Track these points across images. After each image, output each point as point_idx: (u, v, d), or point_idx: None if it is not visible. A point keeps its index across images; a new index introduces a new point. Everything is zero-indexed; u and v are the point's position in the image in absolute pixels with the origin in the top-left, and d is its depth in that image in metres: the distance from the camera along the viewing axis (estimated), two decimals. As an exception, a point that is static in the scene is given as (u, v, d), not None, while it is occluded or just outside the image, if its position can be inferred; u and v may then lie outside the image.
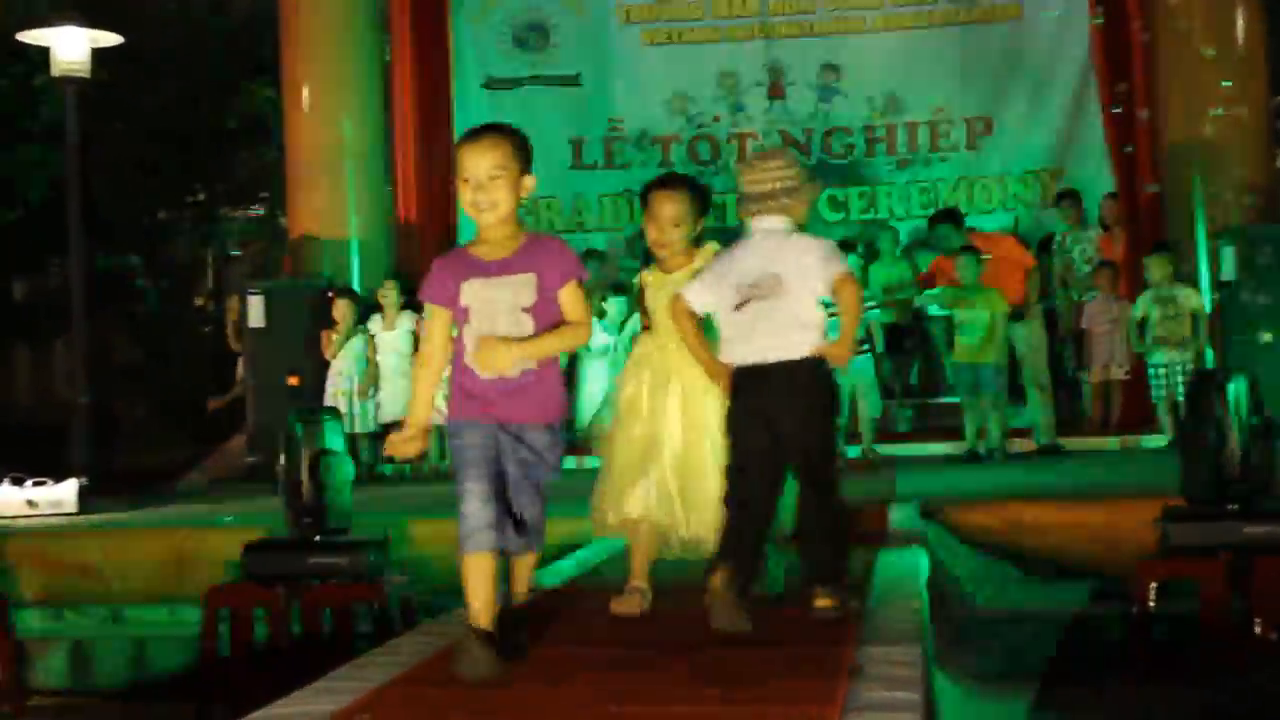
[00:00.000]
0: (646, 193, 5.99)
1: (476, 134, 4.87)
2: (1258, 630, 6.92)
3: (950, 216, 13.45)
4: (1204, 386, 7.95)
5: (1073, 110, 15.91)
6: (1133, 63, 13.77)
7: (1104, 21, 14.47)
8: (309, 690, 4.55)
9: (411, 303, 12.66)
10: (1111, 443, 12.58)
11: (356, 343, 12.37)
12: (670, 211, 5.78)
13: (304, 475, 7.79)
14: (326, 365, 12.46)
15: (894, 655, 4.52)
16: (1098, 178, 14.92)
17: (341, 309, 12.44)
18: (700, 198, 5.89)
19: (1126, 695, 7.03)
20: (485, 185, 4.73)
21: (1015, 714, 6.32)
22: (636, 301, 6.08)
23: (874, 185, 16.58)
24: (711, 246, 5.86)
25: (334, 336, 12.34)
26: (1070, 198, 14.05)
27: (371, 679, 4.64)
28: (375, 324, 12.65)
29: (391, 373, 12.46)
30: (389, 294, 12.71)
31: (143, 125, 18.63)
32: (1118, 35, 14.01)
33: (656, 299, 5.80)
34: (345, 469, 7.97)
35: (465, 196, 4.83)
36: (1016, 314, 11.93)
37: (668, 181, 6.04)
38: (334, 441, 7.94)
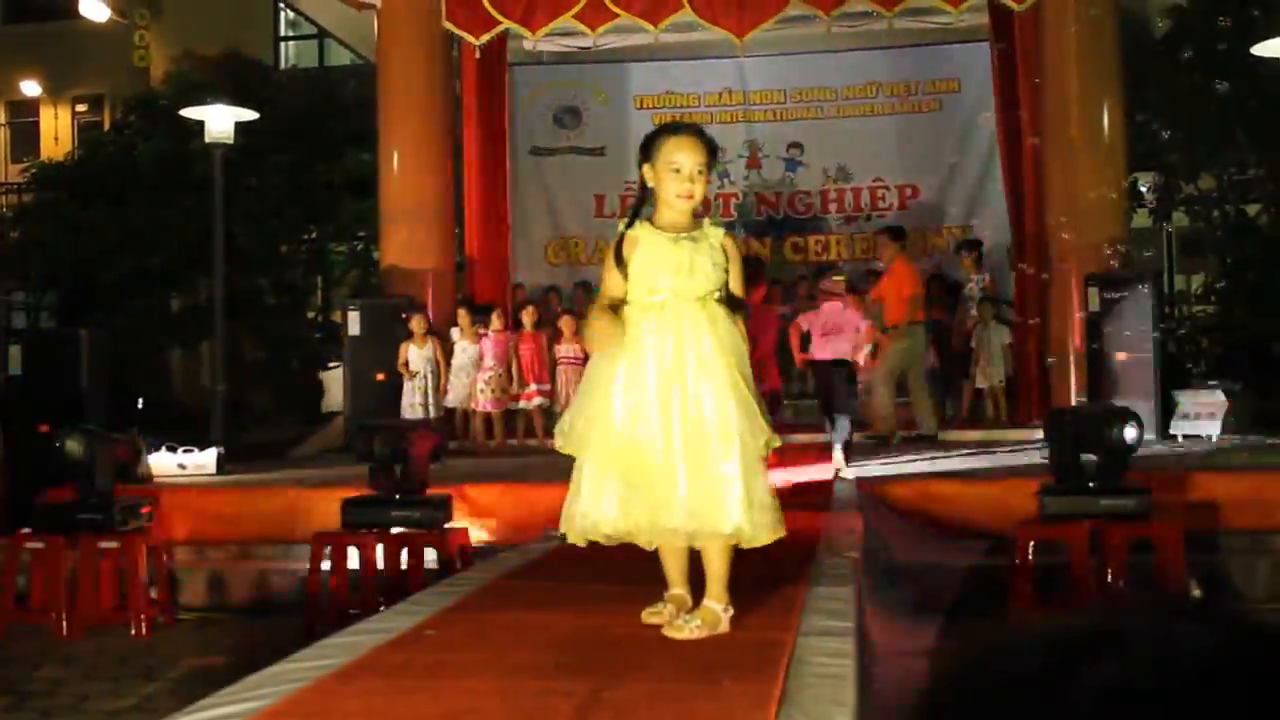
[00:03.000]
0: (655, 140, 4.09)
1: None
2: (1108, 579, 6.95)
3: (890, 230, 13.19)
4: (1068, 401, 8.00)
5: (979, 182, 15.99)
6: (1024, 153, 13.78)
7: (1002, 116, 14.49)
8: (391, 612, 4.60)
9: (479, 320, 12.73)
10: (999, 434, 12.59)
11: (428, 349, 12.40)
12: (697, 159, 4.01)
13: (387, 449, 7.85)
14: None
15: (835, 594, 4.57)
16: (996, 233, 14.98)
17: (417, 322, 12.48)
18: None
19: (1010, 624, 7.06)
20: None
21: (926, 637, 6.33)
22: (614, 260, 4.02)
23: (827, 235, 16.71)
24: (719, 225, 4.13)
25: (410, 345, 12.37)
26: (968, 246, 14.08)
27: (437, 604, 4.68)
28: (454, 334, 12.71)
29: (459, 370, 12.52)
30: (464, 315, 12.75)
31: (272, 180, 18.70)
32: (1014, 126, 14.02)
33: (652, 258, 3.97)
34: (423, 444, 8.02)
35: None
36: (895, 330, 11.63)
37: (683, 128, 4.16)
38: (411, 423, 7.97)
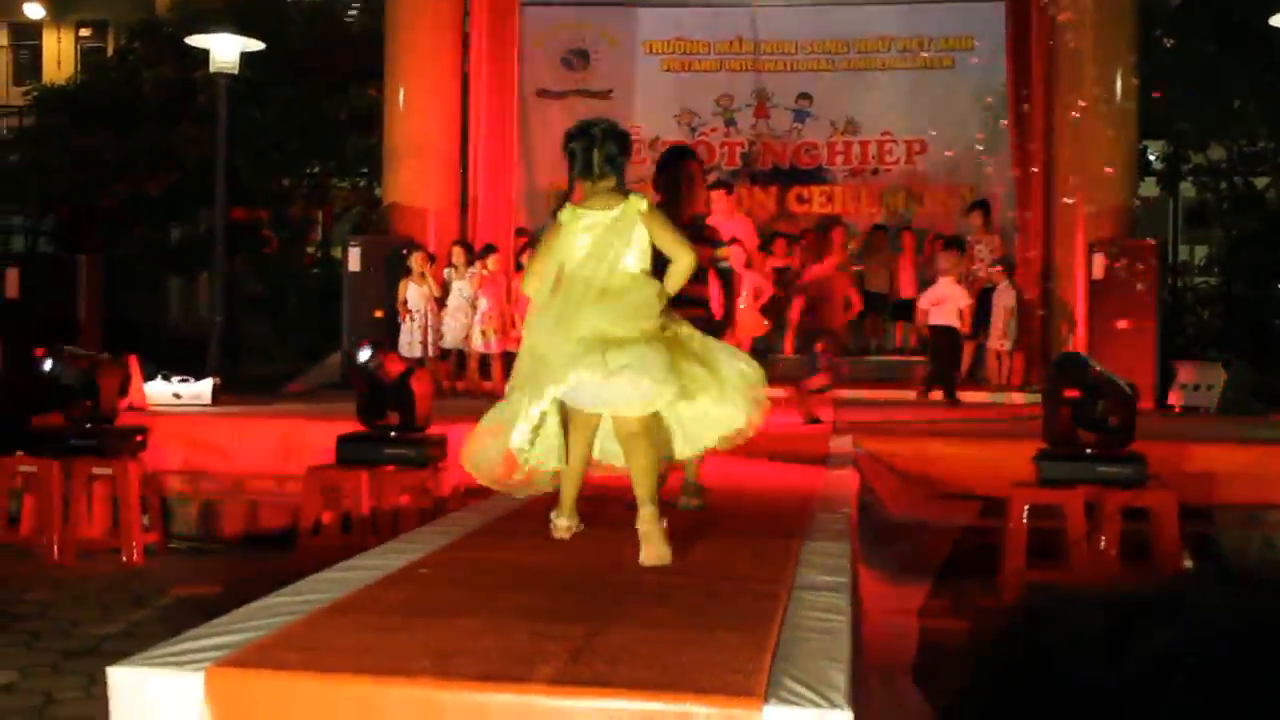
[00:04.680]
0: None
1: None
2: (1101, 545, 6.94)
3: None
4: (1071, 360, 7.97)
5: (989, 143, 15.89)
6: (1033, 110, 13.68)
7: (1014, 77, 14.38)
8: (383, 549, 4.57)
9: (474, 258, 12.64)
10: (1000, 397, 12.56)
11: (426, 288, 12.32)
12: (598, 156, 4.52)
13: (382, 386, 7.82)
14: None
15: (830, 549, 4.54)
16: (1004, 195, 14.91)
17: (417, 260, 12.40)
18: (627, 147, 4.64)
19: (997, 584, 7.07)
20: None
21: (917, 596, 6.34)
22: (546, 238, 4.59)
23: (832, 186, 16.61)
24: (640, 197, 4.50)
25: (409, 283, 12.29)
26: (980, 208, 13.99)
27: (431, 543, 4.66)
28: (448, 273, 12.62)
29: (454, 310, 12.44)
30: (459, 252, 12.67)
31: (275, 112, 18.55)
32: (1027, 83, 13.91)
33: (592, 233, 4.45)
34: (423, 382, 7.99)
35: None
36: None
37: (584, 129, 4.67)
38: (412, 362, 7.93)
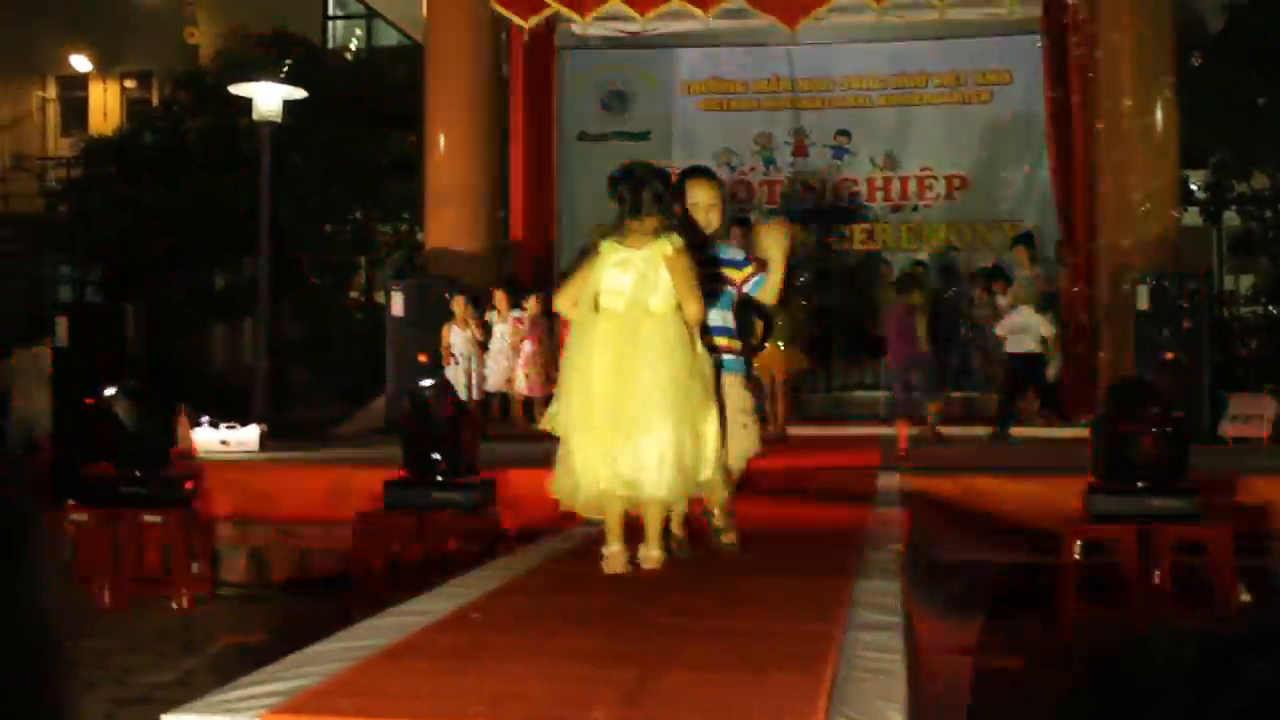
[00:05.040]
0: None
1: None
2: (1156, 581, 6.85)
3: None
4: (1124, 392, 7.88)
5: (1028, 176, 15.84)
6: (1075, 147, 13.63)
7: (1051, 107, 14.36)
8: (433, 594, 4.57)
9: (515, 301, 12.69)
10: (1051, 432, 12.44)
11: (470, 331, 12.37)
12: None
13: (430, 430, 7.84)
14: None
15: (881, 588, 4.50)
16: (1046, 228, 14.83)
17: (459, 304, 12.46)
18: (669, 186, 5.00)
19: (1053, 623, 6.99)
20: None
21: (970, 634, 6.26)
22: (584, 263, 4.92)
23: (873, 224, 16.58)
24: (677, 238, 4.78)
25: (453, 327, 12.35)
26: (1024, 242, 13.94)
27: (480, 588, 4.65)
28: (491, 316, 12.68)
29: (496, 353, 12.49)
30: (500, 296, 12.74)
31: (318, 159, 18.74)
32: (1065, 120, 13.87)
33: (624, 270, 4.75)
34: (471, 426, 7.99)
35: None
36: None
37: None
38: (461, 405, 7.94)
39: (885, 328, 12.07)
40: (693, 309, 4.73)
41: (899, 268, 14.95)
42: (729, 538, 5.41)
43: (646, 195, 4.80)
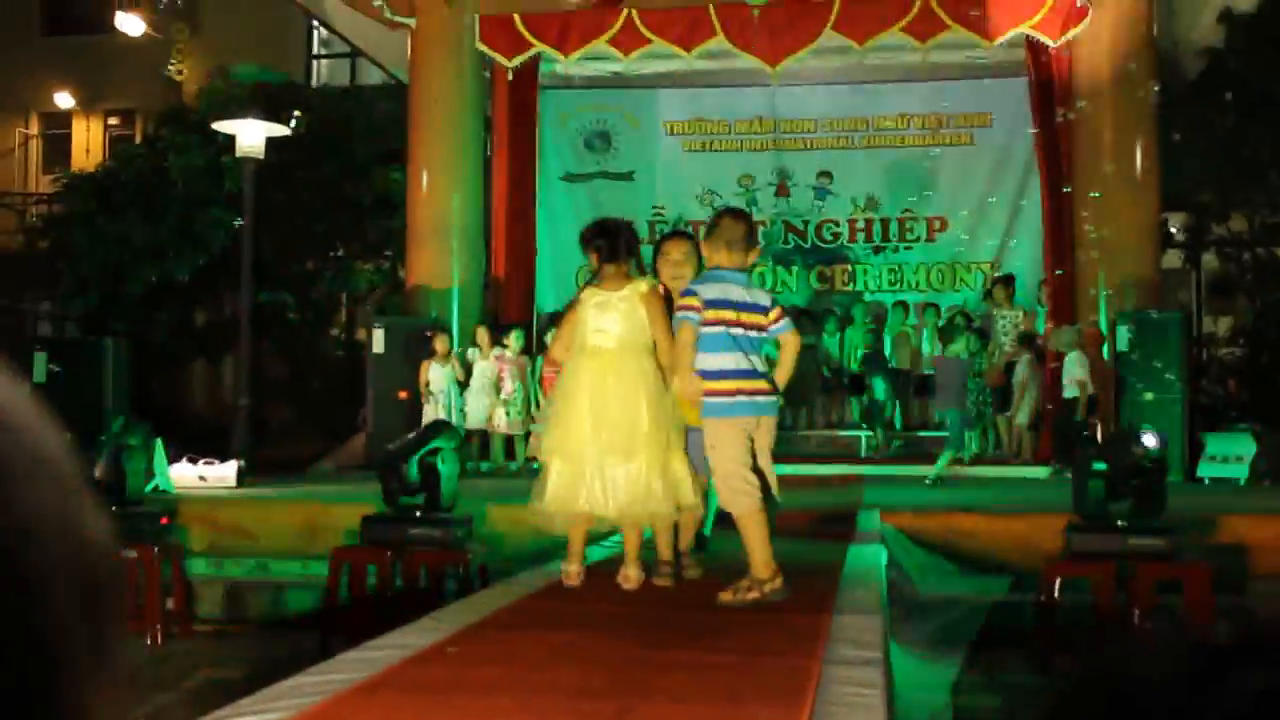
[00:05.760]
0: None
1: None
2: (1135, 620, 6.84)
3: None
4: (1105, 432, 7.90)
5: (1009, 218, 15.91)
6: (1057, 189, 13.72)
7: (1036, 150, 14.45)
8: (409, 628, 4.55)
9: (497, 339, 12.68)
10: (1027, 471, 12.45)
11: (450, 368, 12.36)
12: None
13: (405, 466, 7.79)
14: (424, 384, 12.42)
15: (861, 624, 4.50)
16: (1026, 270, 14.89)
17: (440, 342, 12.45)
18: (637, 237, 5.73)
19: (1032, 662, 6.98)
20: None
21: (949, 672, 6.25)
22: (565, 313, 5.65)
23: (854, 265, 16.64)
24: (652, 278, 5.57)
25: (432, 364, 12.32)
26: (1003, 282, 14.00)
27: (456, 623, 4.63)
28: (472, 354, 12.67)
29: (478, 391, 12.45)
30: (482, 333, 12.73)
31: (300, 196, 18.72)
32: (1048, 157, 13.95)
33: (604, 311, 5.32)
34: (452, 464, 7.93)
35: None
36: None
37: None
38: (442, 443, 7.89)
39: (936, 375, 12.03)
40: (665, 343, 5.20)
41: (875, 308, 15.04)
42: (693, 571, 5.69)
43: (621, 243, 5.46)
